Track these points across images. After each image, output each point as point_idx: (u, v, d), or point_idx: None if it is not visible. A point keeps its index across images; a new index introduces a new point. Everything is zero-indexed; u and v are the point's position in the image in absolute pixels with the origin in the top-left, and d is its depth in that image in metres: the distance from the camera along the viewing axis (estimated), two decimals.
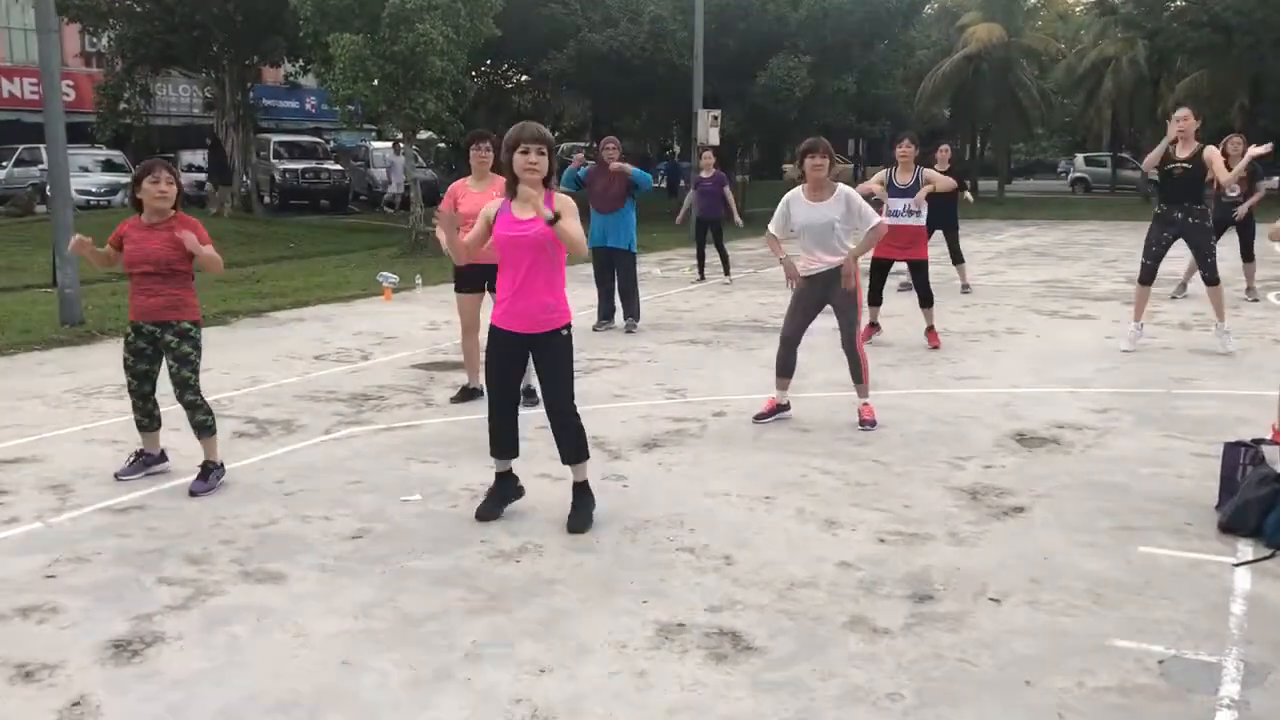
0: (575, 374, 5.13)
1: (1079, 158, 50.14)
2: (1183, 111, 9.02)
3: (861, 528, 4.98)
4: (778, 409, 7.02)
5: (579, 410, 5.09)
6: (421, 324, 11.13)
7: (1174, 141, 8.85)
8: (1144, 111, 42.43)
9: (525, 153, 4.83)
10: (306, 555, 4.68)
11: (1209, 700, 3.40)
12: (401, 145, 24.01)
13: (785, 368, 7.03)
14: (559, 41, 26.77)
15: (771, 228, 6.95)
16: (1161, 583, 4.31)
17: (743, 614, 4.06)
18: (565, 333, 5.00)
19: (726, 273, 14.84)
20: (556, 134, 45.17)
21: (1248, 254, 12.58)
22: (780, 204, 6.95)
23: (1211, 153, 8.86)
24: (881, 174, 9.76)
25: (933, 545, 4.76)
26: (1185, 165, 8.81)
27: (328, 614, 4.08)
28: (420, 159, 27.55)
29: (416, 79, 17.74)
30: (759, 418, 6.96)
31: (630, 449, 6.33)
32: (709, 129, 21.81)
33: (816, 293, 6.91)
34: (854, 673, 3.60)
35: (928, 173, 9.67)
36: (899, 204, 9.40)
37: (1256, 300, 12.27)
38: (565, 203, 4.88)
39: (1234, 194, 12.14)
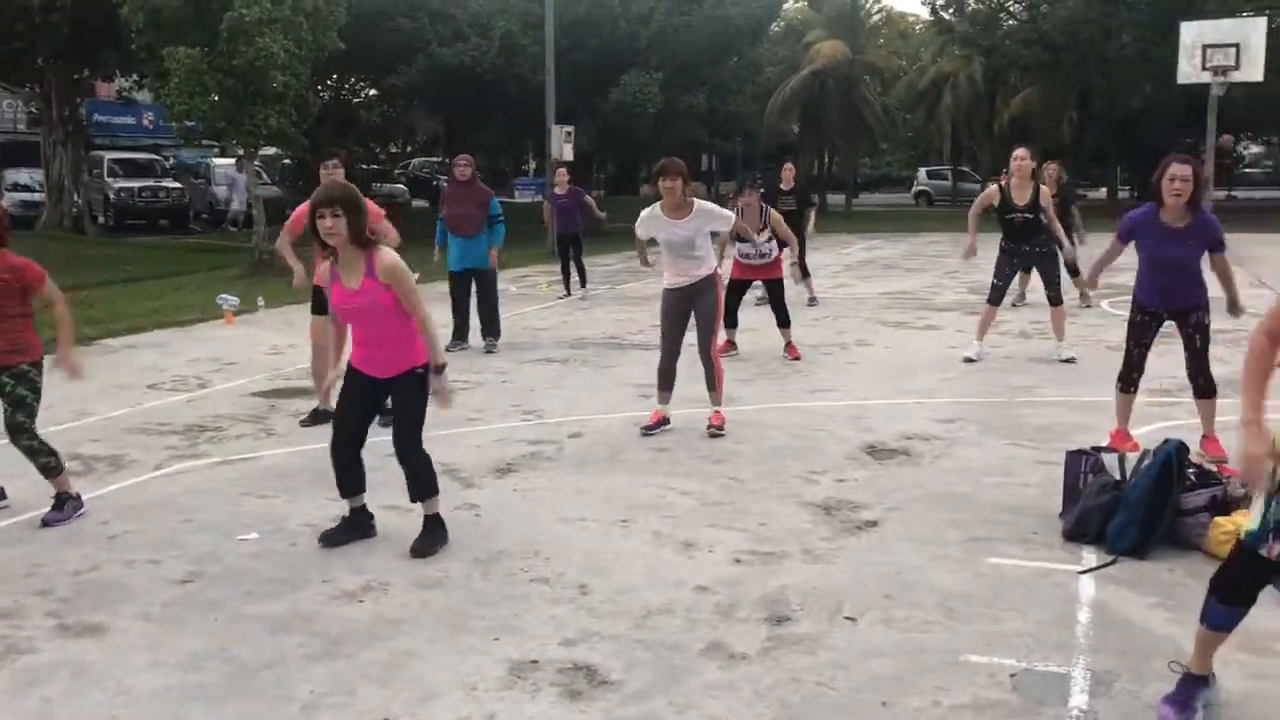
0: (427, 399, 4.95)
1: (922, 171, 51.85)
2: (1020, 151, 9.35)
3: (719, 549, 4.92)
4: (663, 420, 7.10)
5: (426, 438, 4.95)
6: (264, 348, 10.69)
7: (1006, 183, 9.23)
8: (981, 126, 44.19)
9: (321, 218, 4.64)
10: (130, 604, 4.36)
11: (1059, 712, 3.42)
12: (244, 162, 23.20)
13: (665, 380, 7.16)
14: (407, 56, 26.29)
15: (638, 230, 7.16)
16: (1011, 594, 4.36)
17: (598, 646, 3.93)
18: (420, 372, 4.86)
19: (583, 285, 14.77)
20: (409, 149, 44.55)
21: (1072, 270, 13.07)
22: (642, 217, 7.10)
23: (1046, 199, 9.26)
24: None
25: (789, 564, 4.73)
26: (1026, 215, 9.18)
27: (153, 667, 3.80)
28: (265, 176, 26.68)
29: (257, 94, 17.14)
30: (646, 429, 7.01)
31: (483, 475, 6.15)
32: (563, 145, 21.75)
33: (683, 304, 7.05)
34: (711, 703, 3.52)
35: (774, 216, 9.89)
36: (748, 247, 9.63)
37: (1090, 307, 12.78)
38: (389, 268, 4.69)
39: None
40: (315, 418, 7.28)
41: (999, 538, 5.02)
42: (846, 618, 4.15)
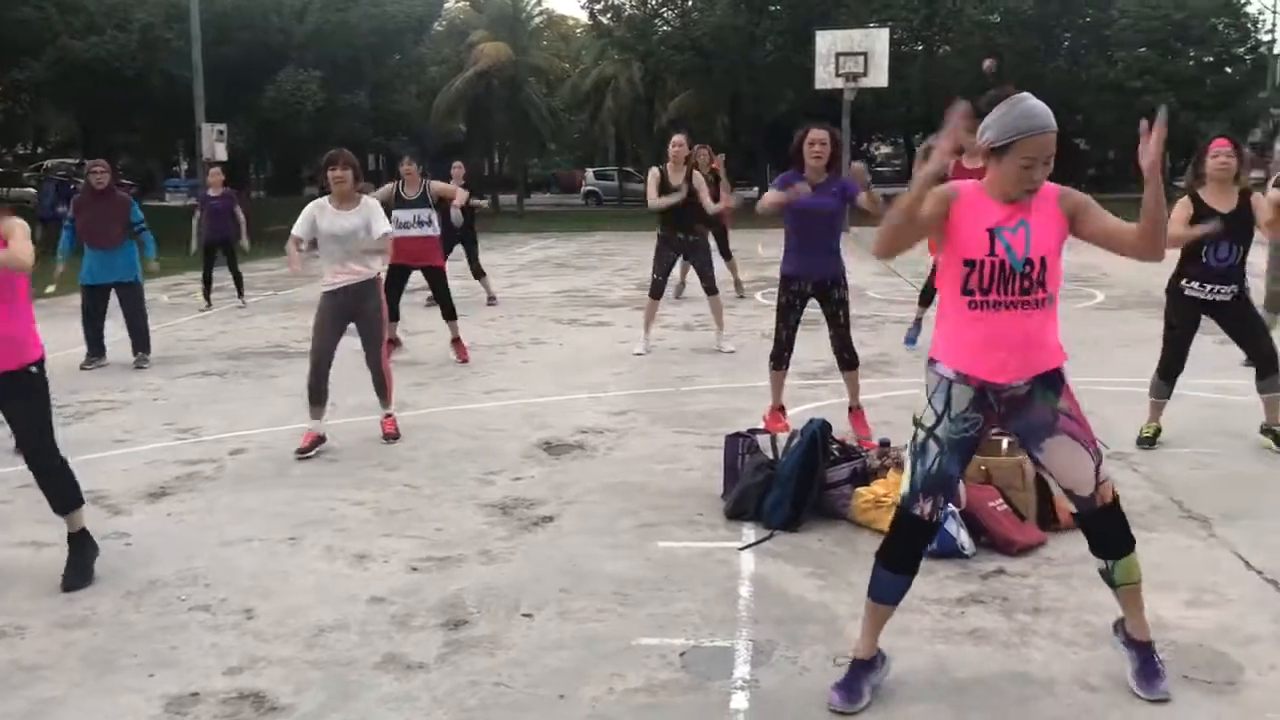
0: (66, 420, 4.52)
1: (589, 172, 53.16)
2: (677, 138, 9.77)
3: (394, 558, 4.81)
4: (318, 440, 6.63)
5: (65, 457, 4.52)
6: None
7: (664, 168, 9.59)
8: (642, 128, 45.90)
9: None
10: None
11: (725, 685, 3.59)
12: None
13: (317, 394, 6.66)
14: (34, 48, 24.01)
15: (295, 230, 6.72)
16: (679, 575, 4.53)
17: (266, 671, 3.74)
18: (35, 370, 4.42)
19: (240, 295, 14.04)
20: (40, 150, 40.70)
21: (725, 252, 13.78)
22: (306, 209, 6.74)
23: (699, 181, 9.68)
24: (388, 187, 9.64)
25: (466, 567, 4.70)
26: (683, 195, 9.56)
27: None
28: None
29: None
30: (300, 453, 6.51)
31: (134, 501, 5.70)
32: (215, 144, 20.59)
33: (343, 309, 6.71)
34: (389, 716, 3.43)
35: (437, 185, 9.79)
36: (408, 215, 9.39)
37: (743, 297, 13.54)
38: (10, 225, 4.28)
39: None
40: None
41: (668, 522, 5.22)
42: (524, 615, 4.18)
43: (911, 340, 9.61)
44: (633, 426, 7.14)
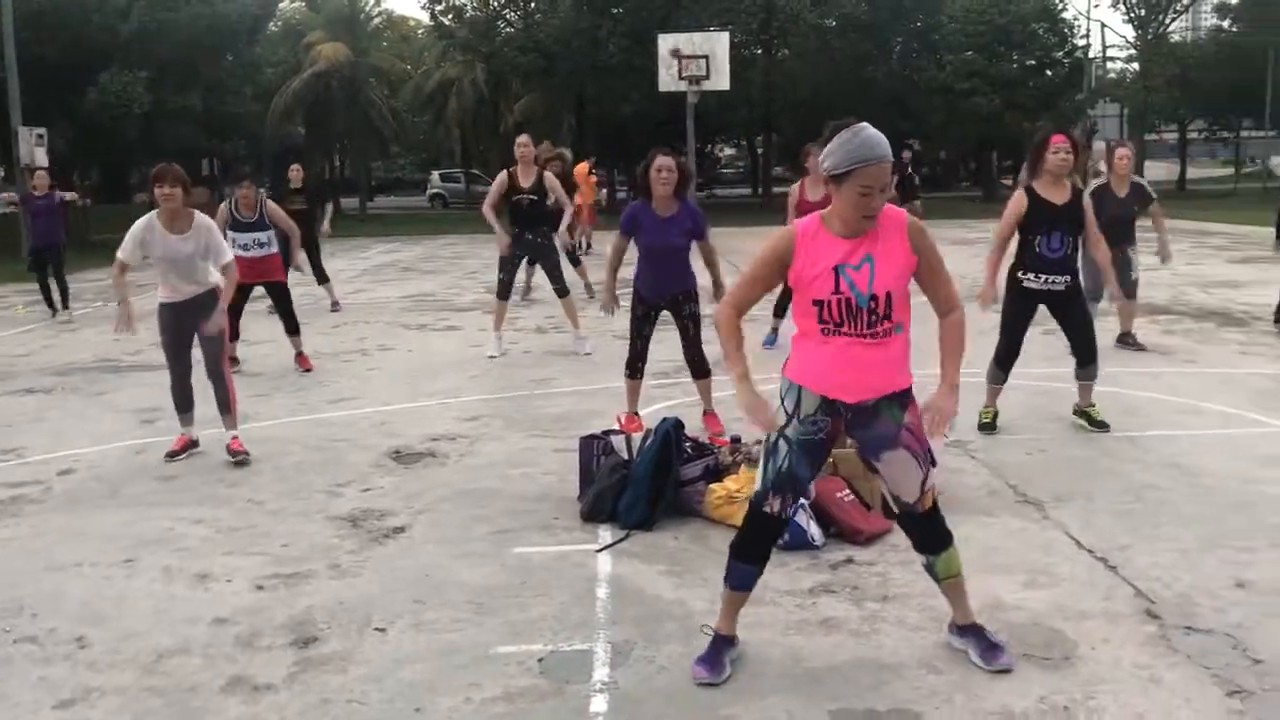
0: None
1: (435, 174, 52.43)
2: (522, 138, 9.72)
3: (237, 577, 4.63)
4: (190, 445, 6.61)
5: None
6: None
7: (514, 170, 9.52)
8: (488, 130, 45.50)
9: None
10: None
11: (583, 688, 3.57)
12: None
13: (183, 402, 6.61)
14: None
15: (121, 255, 6.39)
16: (536, 581, 4.50)
17: (100, 703, 3.55)
18: None
19: (65, 306, 13.35)
20: None
21: (573, 258, 13.79)
22: (134, 229, 6.37)
23: (552, 181, 9.65)
24: (222, 208, 9.40)
25: (315, 583, 4.56)
26: (532, 196, 9.51)
27: None
28: None
29: None
30: (170, 455, 6.48)
31: None
32: (34, 149, 19.52)
33: (183, 320, 6.47)
34: None
35: (272, 208, 9.53)
36: (247, 238, 9.16)
37: (594, 298, 13.54)
38: None
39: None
40: None
41: (523, 527, 5.17)
42: (377, 629, 4.07)
43: (769, 343, 9.73)
44: (486, 432, 7.06)
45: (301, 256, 11.29)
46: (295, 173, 13.07)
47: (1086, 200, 6.53)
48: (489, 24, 37.92)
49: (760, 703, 3.45)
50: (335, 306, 13.31)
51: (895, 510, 3.65)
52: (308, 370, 9.24)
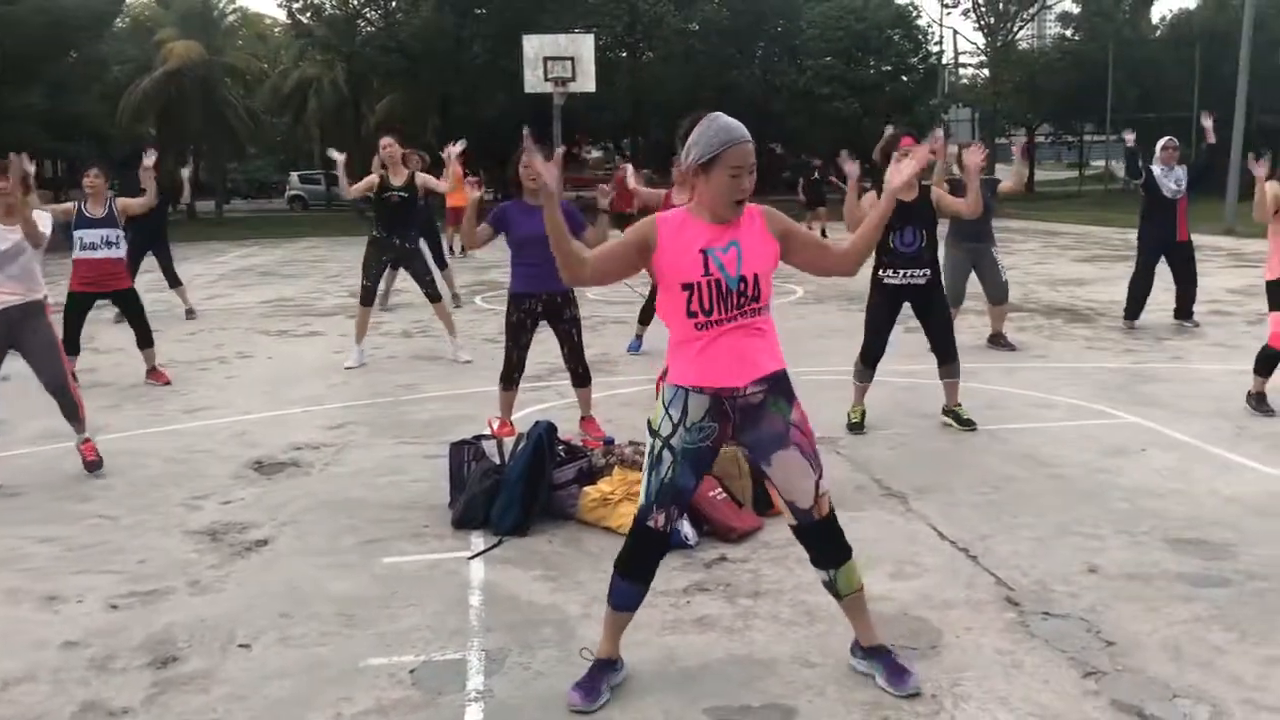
0: None
1: (294, 176, 51.17)
2: (385, 140, 9.48)
3: (90, 597, 4.41)
4: None
5: None
6: None
7: (384, 168, 9.29)
8: (349, 131, 44.55)
9: None
10: None
11: (457, 698, 3.51)
12: None
13: None
14: None
15: None
16: (407, 591, 4.41)
17: None
18: None
19: None
20: None
21: (440, 261, 13.61)
22: None
23: (423, 180, 9.43)
24: (69, 205, 8.87)
25: (174, 599, 4.38)
26: (402, 194, 9.28)
27: None
28: None
29: None
30: None
31: None
32: None
33: (7, 331, 6.07)
34: None
35: (123, 202, 9.01)
36: (95, 235, 8.63)
37: (459, 306, 13.36)
38: None
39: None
40: None
41: (393, 536, 5.06)
42: (240, 645, 3.93)
43: (634, 348, 9.72)
44: (352, 439, 6.90)
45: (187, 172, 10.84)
46: (146, 173, 12.53)
47: (935, 193, 6.72)
48: (348, 23, 37.22)
49: (637, 703, 3.45)
50: (190, 314, 12.85)
51: (794, 522, 3.53)
52: (165, 384, 8.81)
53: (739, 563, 4.62)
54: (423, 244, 10.23)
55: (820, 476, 3.50)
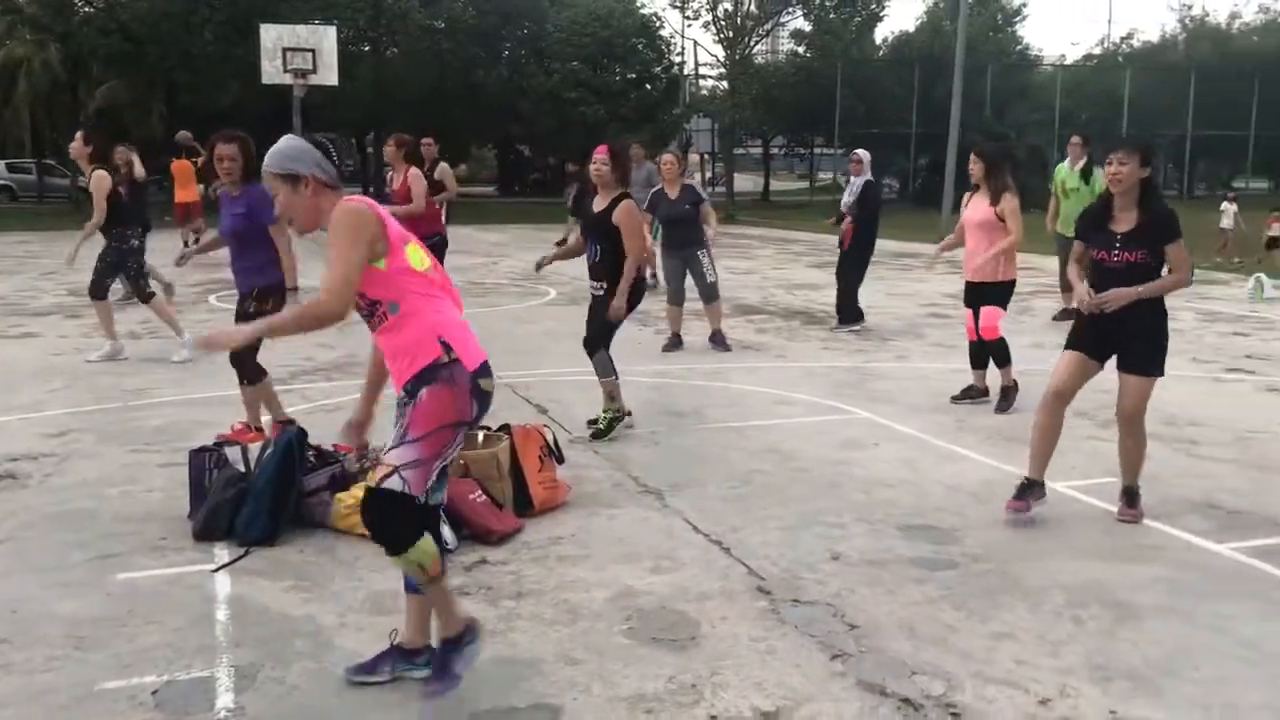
0: None
1: (1, 164, 46.92)
2: (77, 137, 9.03)
3: None
4: None
5: None
6: None
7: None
8: (65, 116, 41.27)
9: None
10: None
11: (208, 718, 3.33)
12: None
13: None
14: None
15: None
16: (145, 608, 4.13)
17: None
18: None
19: None
20: None
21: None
22: None
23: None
24: None
25: None
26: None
27: None
28: None
29: None
30: None
31: None
32: None
33: None
34: None
35: None
36: None
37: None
38: None
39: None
40: None
41: (127, 550, 4.73)
42: None
43: None
44: (77, 448, 6.40)
45: None
46: None
47: (619, 213, 6.53)
48: (64, 2, 34.50)
49: (400, 711, 3.37)
50: None
51: None
52: None
53: (499, 565, 4.60)
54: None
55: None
